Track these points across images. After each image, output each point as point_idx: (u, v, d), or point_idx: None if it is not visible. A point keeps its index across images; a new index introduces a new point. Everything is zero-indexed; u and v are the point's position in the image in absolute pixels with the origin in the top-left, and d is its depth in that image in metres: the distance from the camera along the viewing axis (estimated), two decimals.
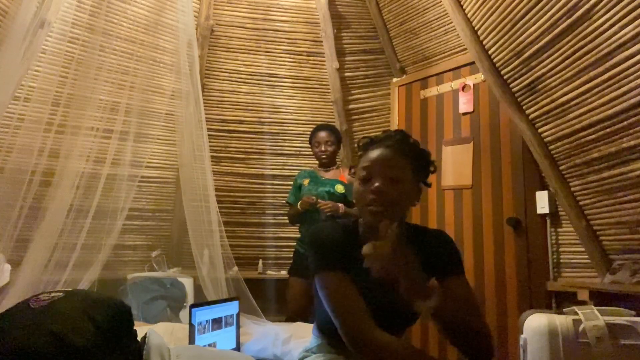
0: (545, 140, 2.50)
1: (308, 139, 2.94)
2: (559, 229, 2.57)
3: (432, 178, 1.25)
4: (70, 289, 0.73)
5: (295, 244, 2.87)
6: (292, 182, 2.97)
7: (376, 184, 1.14)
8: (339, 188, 2.75)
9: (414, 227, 1.28)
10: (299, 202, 2.70)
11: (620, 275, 2.21)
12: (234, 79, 3.43)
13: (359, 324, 1.06)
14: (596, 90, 2.10)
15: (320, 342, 1.31)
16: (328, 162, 2.85)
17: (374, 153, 1.19)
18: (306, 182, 2.83)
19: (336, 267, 1.14)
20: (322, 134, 2.84)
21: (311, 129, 2.96)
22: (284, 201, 3.05)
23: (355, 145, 1.32)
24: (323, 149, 2.82)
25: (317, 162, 2.90)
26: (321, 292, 1.14)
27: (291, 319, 2.57)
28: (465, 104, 3.00)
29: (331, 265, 1.14)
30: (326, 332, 1.29)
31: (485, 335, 1.11)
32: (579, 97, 2.21)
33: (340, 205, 2.63)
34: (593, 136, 2.20)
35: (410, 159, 1.19)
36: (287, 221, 3.01)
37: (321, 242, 1.19)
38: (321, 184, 2.78)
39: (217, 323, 2.00)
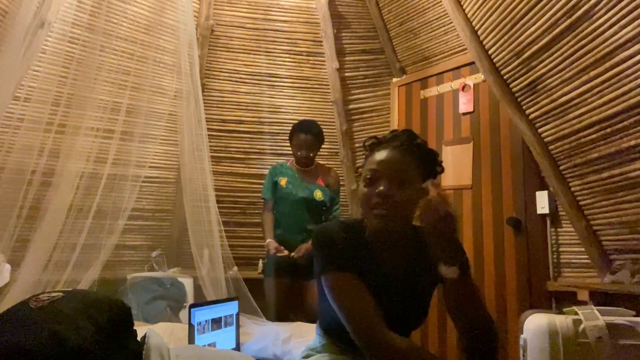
0: (545, 140, 2.50)
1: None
2: (559, 229, 2.57)
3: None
4: (70, 289, 0.73)
5: None
6: None
7: (381, 188, 1.11)
8: (318, 194, 2.63)
9: (420, 228, 1.26)
10: (270, 246, 2.55)
11: (620, 275, 2.21)
12: (234, 79, 3.43)
13: (371, 325, 1.04)
14: (596, 90, 2.10)
15: (325, 342, 1.30)
16: (307, 164, 2.73)
17: (380, 155, 1.16)
18: (283, 181, 2.67)
19: (345, 268, 1.12)
20: (306, 137, 2.62)
21: None
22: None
23: (362, 145, 1.29)
24: (305, 154, 2.63)
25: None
26: (330, 293, 1.11)
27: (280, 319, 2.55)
28: (465, 104, 3.00)
29: (340, 266, 1.12)
30: (330, 332, 1.28)
31: (489, 332, 1.11)
32: (579, 97, 2.21)
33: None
34: (593, 136, 2.20)
35: (417, 160, 1.17)
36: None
37: (329, 242, 1.16)
38: (300, 188, 2.64)
39: (216, 323, 2.00)
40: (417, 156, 1.17)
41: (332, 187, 2.72)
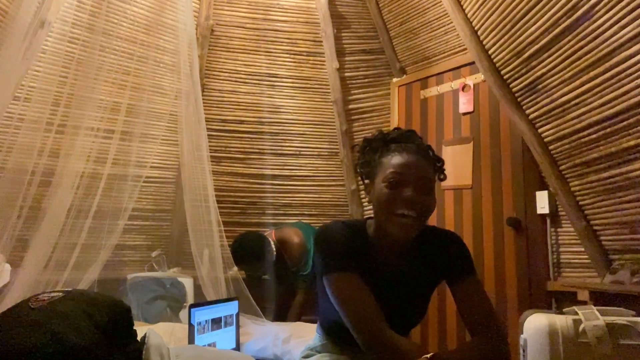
0: (545, 140, 2.50)
1: (308, 138, 2.84)
2: (559, 229, 2.57)
3: None
4: (70, 289, 0.73)
5: None
6: (292, 182, 2.90)
7: (410, 193, 1.09)
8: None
9: (423, 228, 1.26)
10: None
11: (620, 275, 2.21)
12: (234, 79, 3.42)
13: (374, 325, 1.04)
14: (596, 90, 2.11)
15: (325, 342, 1.30)
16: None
17: (403, 157, 1.12)
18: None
19: (348, 268, 1.11)
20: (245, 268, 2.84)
21: (311, 129, 2.93)
22: (285, 202, 2.97)
23: (363, 141, 1.25)
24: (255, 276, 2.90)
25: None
26: (332, 294, 1.11)
27: None
28: (465, 104, 3.00)
29: (343, 266, 1.12)
30: (330, 332, 1.28)
31: (498, 344, 1.12)
32: (579, 97, 2.21)
33: None
34: (593, 136, 2.20)
35: (433, 165, 1.18)
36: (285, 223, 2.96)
37: (331, 242, 1.16)
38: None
39: (216, 323, 2.00)
40: (433, 161, 1.18)
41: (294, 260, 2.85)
